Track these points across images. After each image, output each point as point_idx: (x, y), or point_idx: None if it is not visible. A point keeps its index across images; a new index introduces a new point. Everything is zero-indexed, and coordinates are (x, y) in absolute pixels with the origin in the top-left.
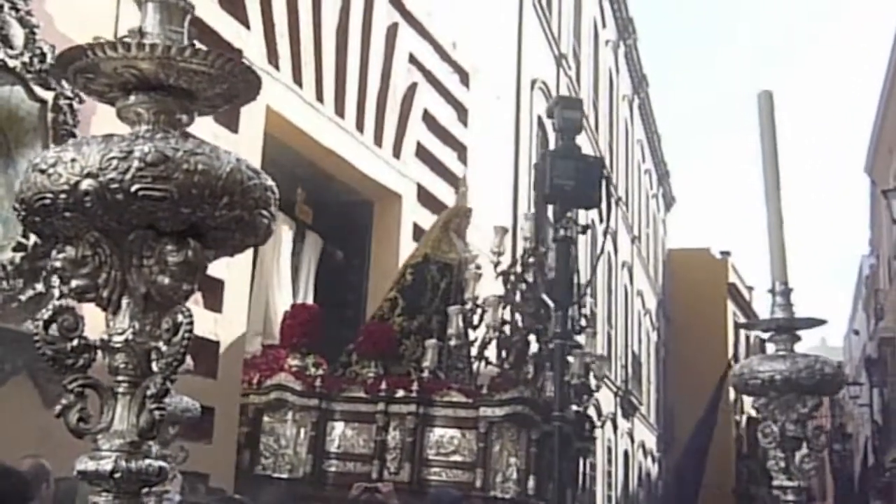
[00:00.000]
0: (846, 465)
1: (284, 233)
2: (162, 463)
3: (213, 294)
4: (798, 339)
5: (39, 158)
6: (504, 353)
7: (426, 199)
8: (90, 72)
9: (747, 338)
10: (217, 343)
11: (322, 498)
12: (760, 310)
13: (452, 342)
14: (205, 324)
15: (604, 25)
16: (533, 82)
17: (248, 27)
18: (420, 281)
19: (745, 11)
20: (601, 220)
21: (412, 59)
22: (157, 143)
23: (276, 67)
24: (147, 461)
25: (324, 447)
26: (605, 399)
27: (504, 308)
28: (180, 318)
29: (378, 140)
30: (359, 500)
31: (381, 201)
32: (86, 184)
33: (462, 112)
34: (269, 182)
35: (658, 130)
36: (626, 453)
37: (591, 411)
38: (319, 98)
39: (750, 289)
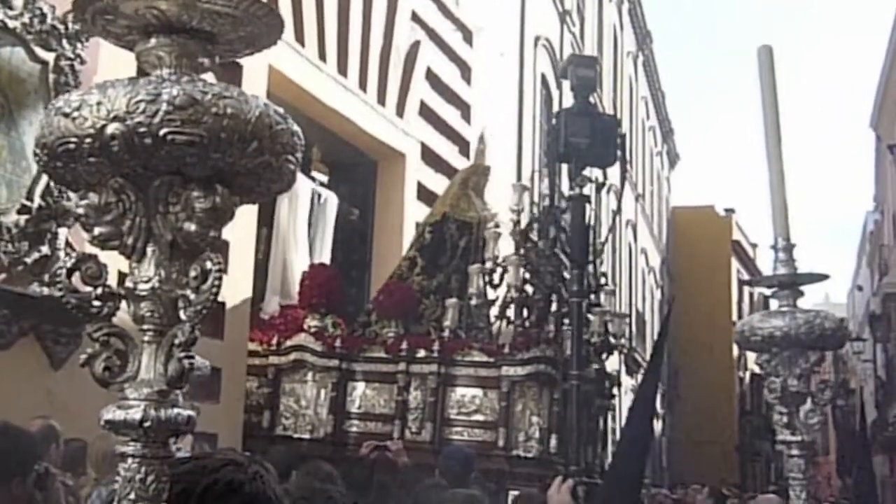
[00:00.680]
0: (849, 420)
1: (301, 192)
2: (191, 412)
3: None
4: (801, 294)
5: (63, 101)
6: (525, 312)
7: (430, 158)
8: (109, 14)
9: (751, 295)
10: (223, 304)
11: (343, 458)
12: (764, 267)
13: (473, 301)
14: None
15: None
16: (536, 39)
17: None
18: (439, 240)
19: None
20: (621, 180)
21: (415, 17)
22: (184, 85)
23: None
24: (176, 410)
25: (344, 408)
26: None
27: (525, 267)
28: (209, 265)
29: (381, 99)
30: (369, 458)
31: (385, 161)
32: (112, 128)
33: (465, 70)
34: (296, 127)
35: (662, 87)
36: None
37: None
38: (322, 57)
39: (754, 246)
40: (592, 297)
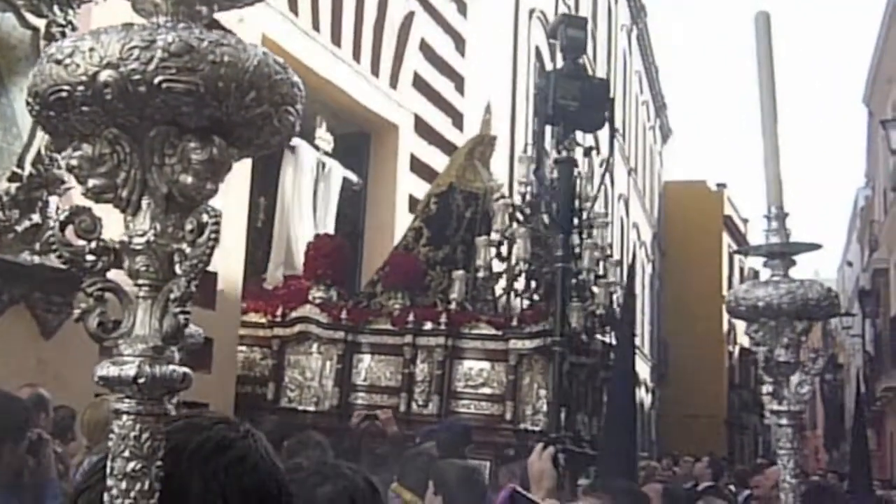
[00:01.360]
0: (837, 394)
1: (306, 161)
2: (186, 369)
3: None
4: (793, 263)
5: (55, 48)
6: (533, 285)
7: (423, 129)
8: None
9: (741, 269)
10: (215, 274)
11: (347, 430)
12: (755, 241)
13: (480, 274)
14: None
15: None
16: (531, 11)
17: None
18: (445, 210)
19: None
20: (609, 143)
21: None
22: (180, 32)
23: None
24: (171, 367)
25: (350, 380)
26: None
27: (533, 239)
28: (206, 217)
29: (375, 70)
30: (359, 427)
31: (378, 132)
32: (105, 75)
33: (459, 42)
34: (296, 78)
35: (656, 62)
36: None
37: None
38: (315, 27)
39: (745, 221)
40: (598, 268)
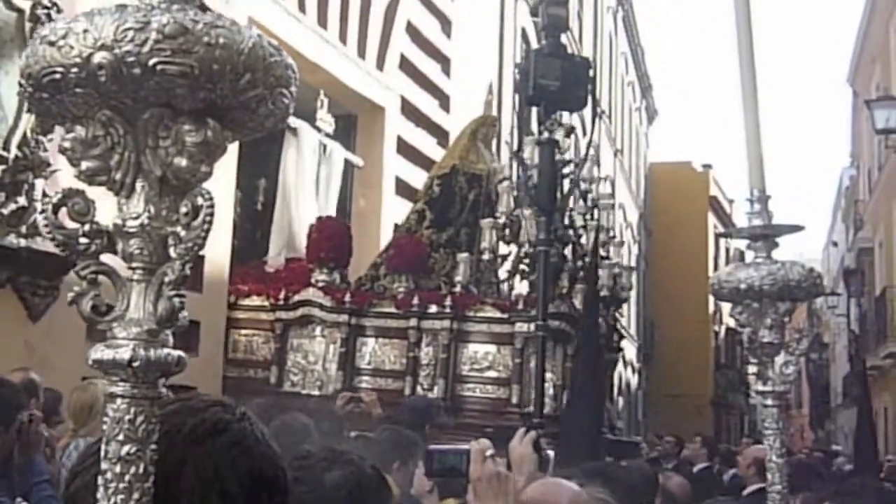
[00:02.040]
0: (822, 374)
1: (307, 143)
2: (181, 353)
3: None
4: (776, 245)
5: (49, 29)
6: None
7: (410, 111)
8: None
9: (727, 250)
10: (202, 257)
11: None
12: (741, 222)
13: (485, 256)
14: None
15: None
16: None
17: None
18: (448, 192)
19: None
20: (591, 123)
21: None
22: (175, 13)
23: None
24: (166, 350)
25: (354, 363)
26: None
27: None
28: (200, 200)
29: (361, 52)
30: (344, 409)
31: (365, 114)
32: (99, 56)
33: (446, 24)
34: (290, 60)
35: (642, 43)
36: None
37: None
38: (301, 8)
39: (731, 201)
40: (601, 250)
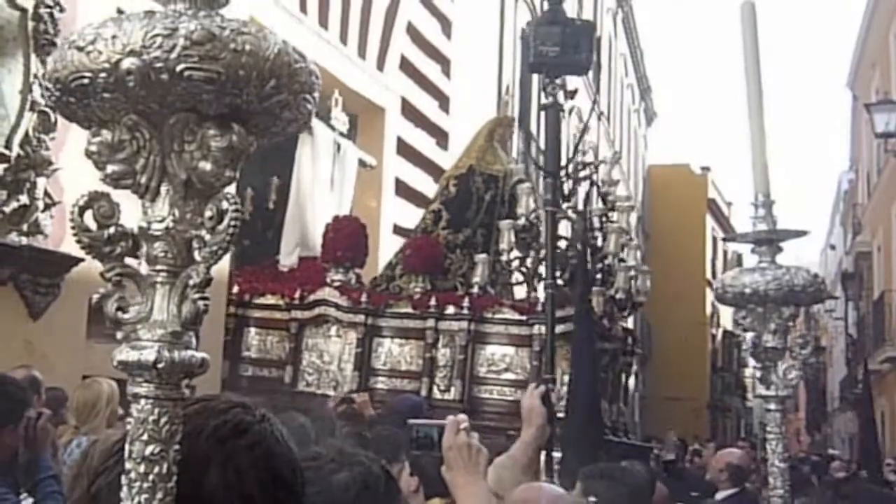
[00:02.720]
0: (819, 377)
1: (322, 141)
2: (205, 354)
3: None
4: (780, 250)
5: (77, 35)
6: (559, 270)
7: (410, 112)
8: None
9: (725, 253)
10: None
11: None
12: (739, 225)
13: (504, 258)
14: None
15: None
16: None
17: None
18: (464, 193)
19: None
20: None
21: None
22: (202, 20)
23: None
24: (189, 352)
25: (370, 364)
26: None
27: (558, 223)
28: (225, 205)
29: (362, 53)
30: (336, 411)
31: (365, 115)
32: (128, 62)
33: (446, 25)
34: (314, 67)
35: (641, 45)
36: None
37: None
38: (303, 9)
39: (729, 204)
40: (622, 253)
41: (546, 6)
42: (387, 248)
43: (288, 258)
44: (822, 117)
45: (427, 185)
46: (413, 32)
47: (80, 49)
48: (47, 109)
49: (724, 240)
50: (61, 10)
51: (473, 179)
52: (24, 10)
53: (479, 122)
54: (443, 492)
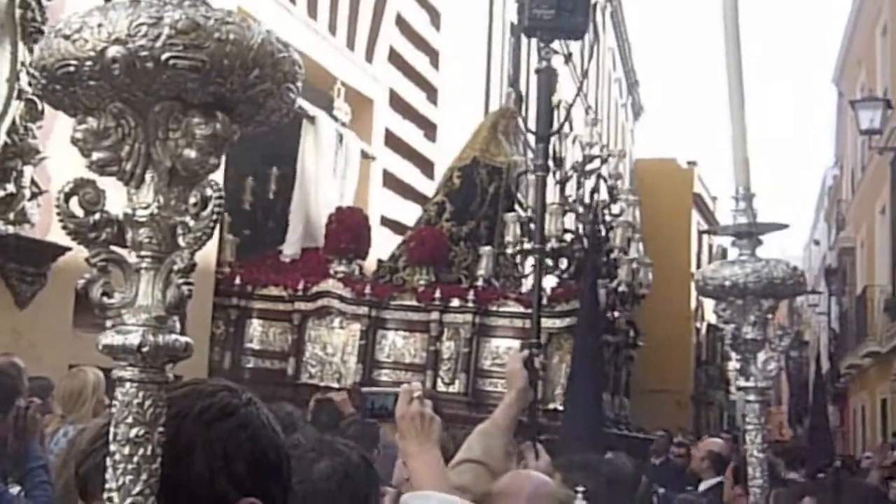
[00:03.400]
0: (802, 371)
1: (324, 131)
2: (188, 339)
3: None
4: (760, 243)
5: (63, 23)
6: (565, 263)
7: (399, 104)
8: None
9: (710, 247)
10: None
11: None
12: (724, 219)
13: (509, 250)
14: None
15: None
16: None
17: None
18: (468, 185)
19: None
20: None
21: None
22: (187, 10)
23: None
24: (173, 336)
25: (373, 356)
26: None
27: (564, 216)
28: (209, 191)
29: (350, 44)
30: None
31: (354, 106)
32: (113, 50)
33: (435, 17)
34: (297, 56)
35: (629, 39)
36: None
37: None
38: None
39: (714, 199)
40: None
41: None
42: (374, 239)
43: (293, 247)
44: (808, 114)
45: (415, 177)
46: (402, 24)
47: (67, 37)
48: (34, 98)
49: (705, 233)
50: None
51: (477, 171)
52: None
53: (468, 113)
54: None
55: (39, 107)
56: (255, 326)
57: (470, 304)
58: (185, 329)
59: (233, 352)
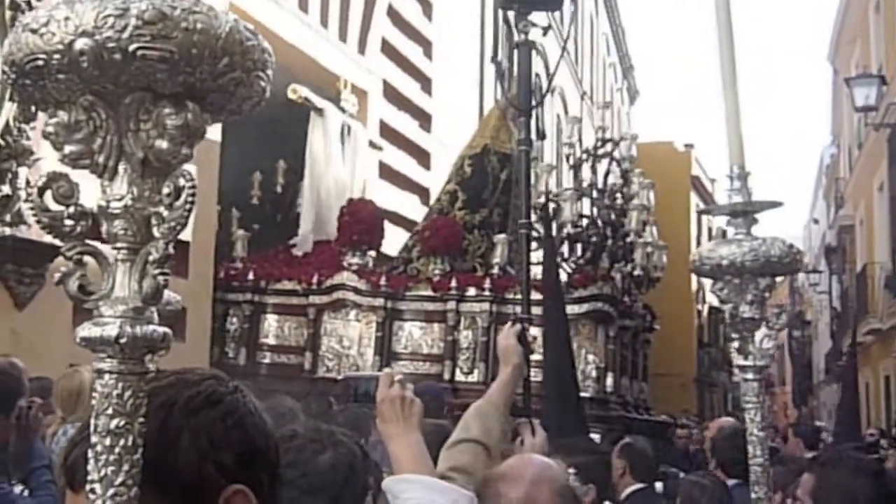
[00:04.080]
0: (805, 351)
1: (332, 124)
2: (166, 329)
3: None
4: (755, 221)
5: (30, 17)
6: (581, 249)
7: (392, 95)
8: None
9: (709, 229)
10: (187, 243)
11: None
12: (722, 201)
13: None
14: None
15: None
16: None
17: None
18: (480, 172)
19: None
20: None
21: None
22: (153, 0)
23: None
24: (151, 327)
25: (390, 348)
26: None
27: (579, 201)
28: (182, 181)
29: (343, 36)
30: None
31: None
32: (81, 43)
33: (427, 6)
34: (266, 44)
35: (622, 23)
36: None
37: None
38: None
39: (712, 181)
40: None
41: None
42: None
43: (305, 241)
44: (804, 92)
45: (410, 168)
46: (394, 14)
47: (34, 31)
48: None
49: (702, 212)
50: None
51: (488, 159)
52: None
53: (462, 103)
54: None
55: (33, 108)
56: (270, 322)
57: (486, 293)
58: (186, 329)
59: (248, 348)
